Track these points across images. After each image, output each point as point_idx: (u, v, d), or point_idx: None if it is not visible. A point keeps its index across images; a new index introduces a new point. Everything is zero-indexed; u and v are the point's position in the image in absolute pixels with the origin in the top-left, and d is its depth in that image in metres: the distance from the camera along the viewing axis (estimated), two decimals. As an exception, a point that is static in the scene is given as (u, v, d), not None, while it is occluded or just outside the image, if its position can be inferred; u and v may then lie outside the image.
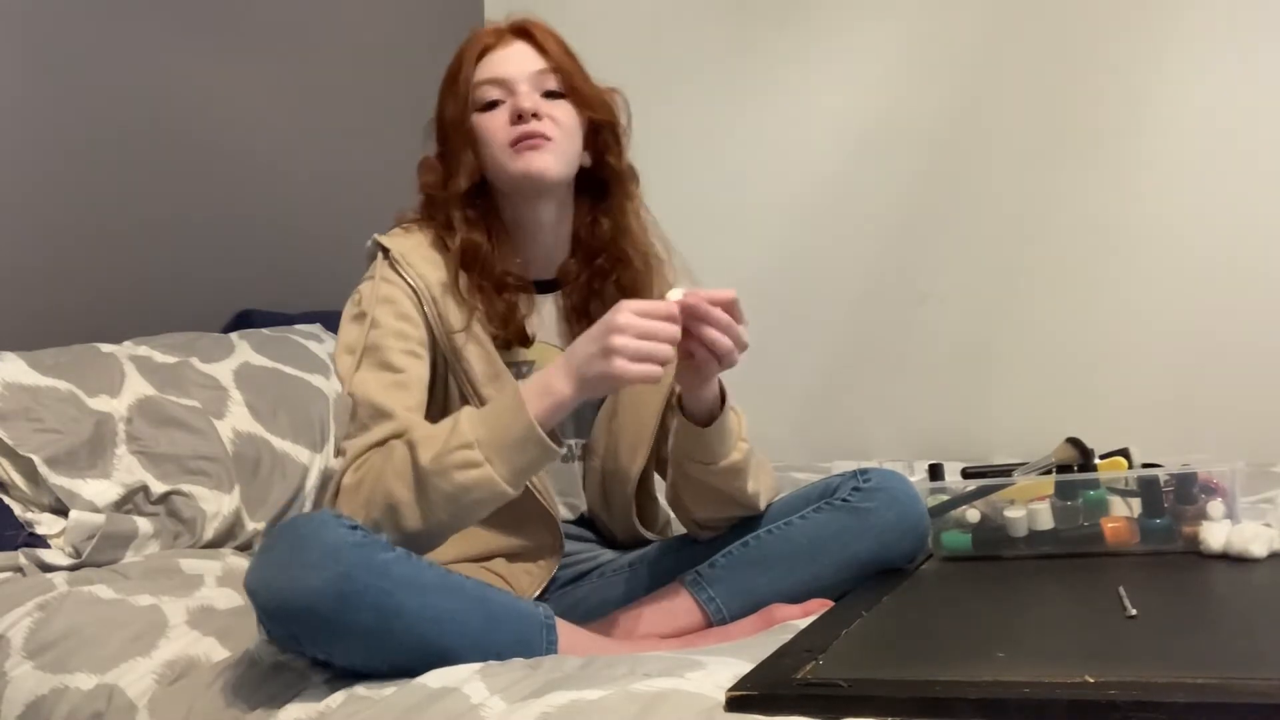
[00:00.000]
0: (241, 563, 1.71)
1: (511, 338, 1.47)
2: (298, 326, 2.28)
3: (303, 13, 2.56)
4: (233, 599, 1.52)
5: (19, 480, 1.67)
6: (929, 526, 1.48)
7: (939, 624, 1.26)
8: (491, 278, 1.45)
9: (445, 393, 1.45)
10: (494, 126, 1.44)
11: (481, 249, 1.45)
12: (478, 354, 1.44)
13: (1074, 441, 1.58)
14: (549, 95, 1.46)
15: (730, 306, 1.27)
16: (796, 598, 1.37)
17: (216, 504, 1.80)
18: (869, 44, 2.64)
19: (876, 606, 1.29)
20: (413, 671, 1.13)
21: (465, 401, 1.43)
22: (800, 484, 1.54)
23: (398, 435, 1.30)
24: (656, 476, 1.60)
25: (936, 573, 1.48)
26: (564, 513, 1.53)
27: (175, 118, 2.26)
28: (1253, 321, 2.28)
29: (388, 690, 1.11)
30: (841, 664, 1.07)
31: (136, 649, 1.35)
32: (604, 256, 1.51)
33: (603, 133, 1.50)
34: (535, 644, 1.22)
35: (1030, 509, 1.51)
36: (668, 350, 1.22)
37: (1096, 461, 1.56)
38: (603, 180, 1.52)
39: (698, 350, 1.29)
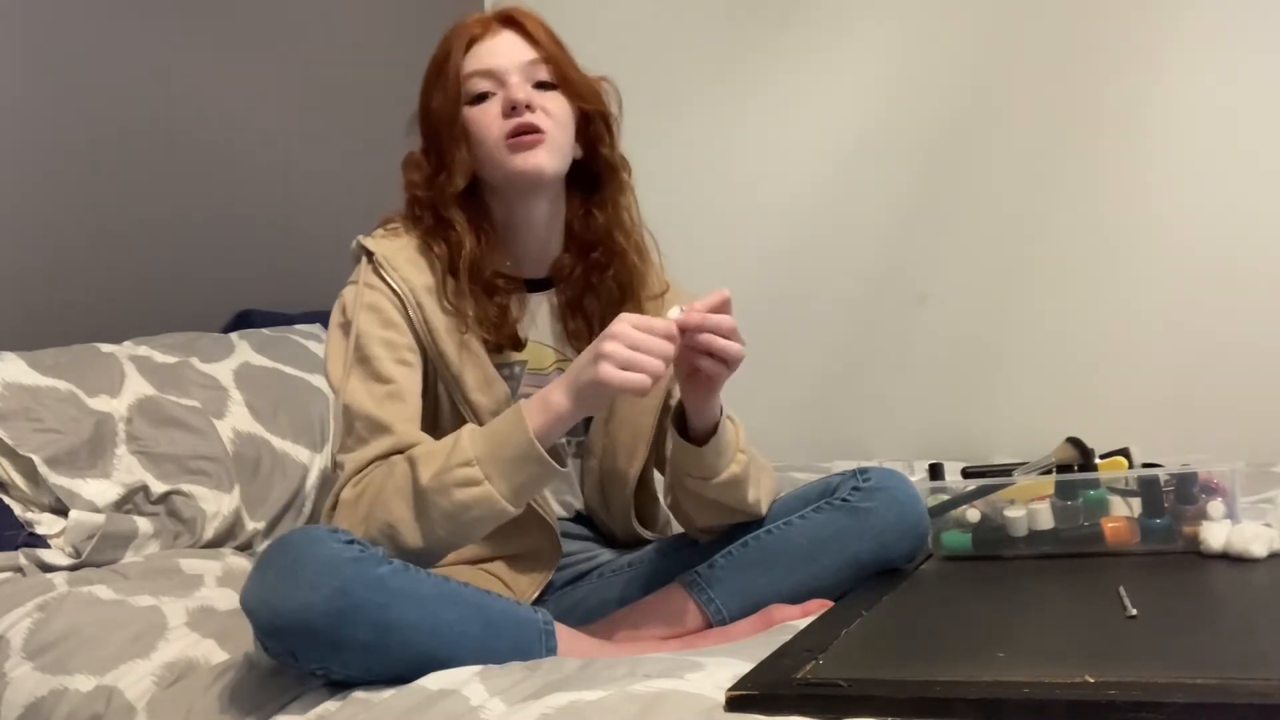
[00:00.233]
0: (242, 562, 1.71)
1: (503, 342, 1.44)
2: (298, 326, 2.28)
3: (303, 13, 2.56)
4: (232, 599, 1.51)
5: (19, 480, 1.67)
6: (929, 526, 1.48)
7: (939, 624, 1.26)
8: (481, 281, 1.42)
9: (435, 399, 1.43)
10: (486, 121, 1.41)
11: (471, 251, 1.41)
12: (468, 360, 1.41)
13: (1074, 441, 1.58)
14: (540, 86, 1.43)
15: (725, 306, 1.27)
16: (796, 598, 1.36)
17: (216, 504, 1.80)
18: (869, 44, 2.63)
19: (876, 606, 1.29)
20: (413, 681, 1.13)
21: (455, 408, 1.42)
22: (800, 484, 1.53)
23: (398, 450, 1.29)
24: (657, 475, 1.59)
25: (936, 573, 1.48)
26: (559, 510, 1.52)
27: (175, 118, 2.26)
28: (1253, 321, 2.28)
29: (387, 693, 1.11)
30: (841, 664, 1.07)
31: (136, 650, 1.35)
32: (599, 250, 1.48)
33: (595, 123, 1.47)
34: (534, 650, 1.21)
35: (1030, 509, 1.51)
36: (658, 365, 1.20)
37: (1096, 461, 1.55)
38: (595, 172, 1.49)
39: (704, 363, 1.28)
